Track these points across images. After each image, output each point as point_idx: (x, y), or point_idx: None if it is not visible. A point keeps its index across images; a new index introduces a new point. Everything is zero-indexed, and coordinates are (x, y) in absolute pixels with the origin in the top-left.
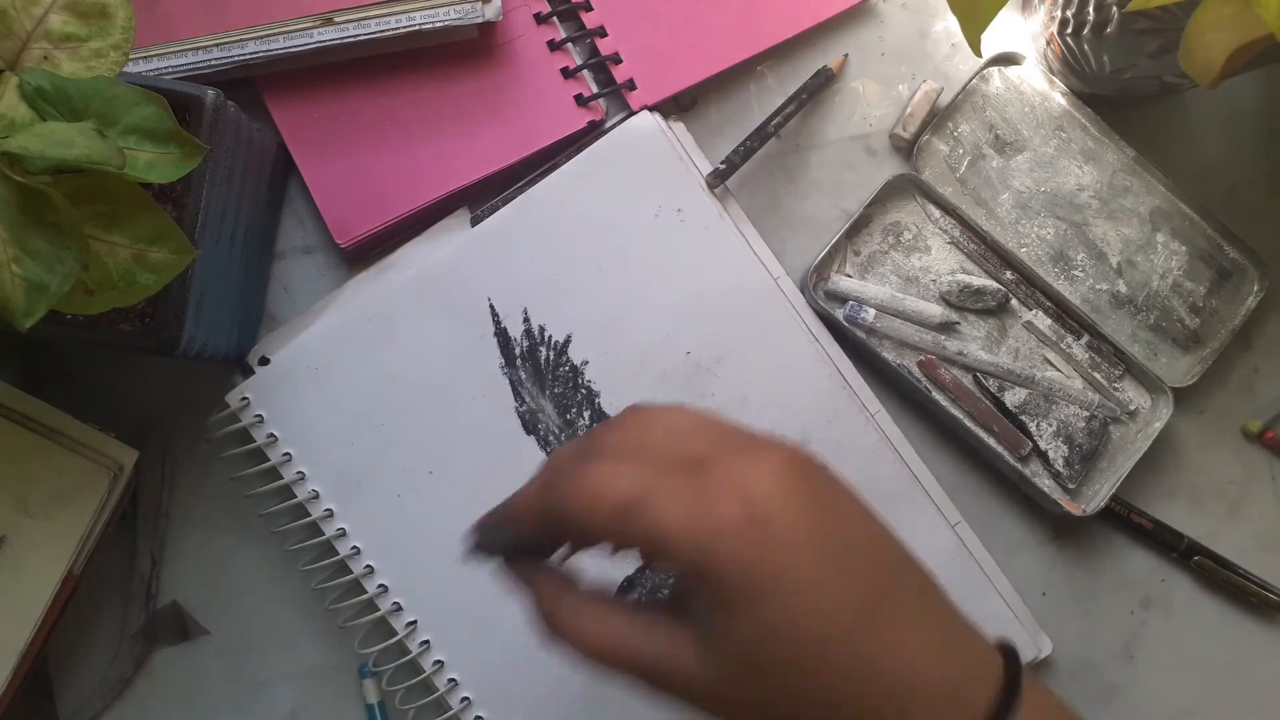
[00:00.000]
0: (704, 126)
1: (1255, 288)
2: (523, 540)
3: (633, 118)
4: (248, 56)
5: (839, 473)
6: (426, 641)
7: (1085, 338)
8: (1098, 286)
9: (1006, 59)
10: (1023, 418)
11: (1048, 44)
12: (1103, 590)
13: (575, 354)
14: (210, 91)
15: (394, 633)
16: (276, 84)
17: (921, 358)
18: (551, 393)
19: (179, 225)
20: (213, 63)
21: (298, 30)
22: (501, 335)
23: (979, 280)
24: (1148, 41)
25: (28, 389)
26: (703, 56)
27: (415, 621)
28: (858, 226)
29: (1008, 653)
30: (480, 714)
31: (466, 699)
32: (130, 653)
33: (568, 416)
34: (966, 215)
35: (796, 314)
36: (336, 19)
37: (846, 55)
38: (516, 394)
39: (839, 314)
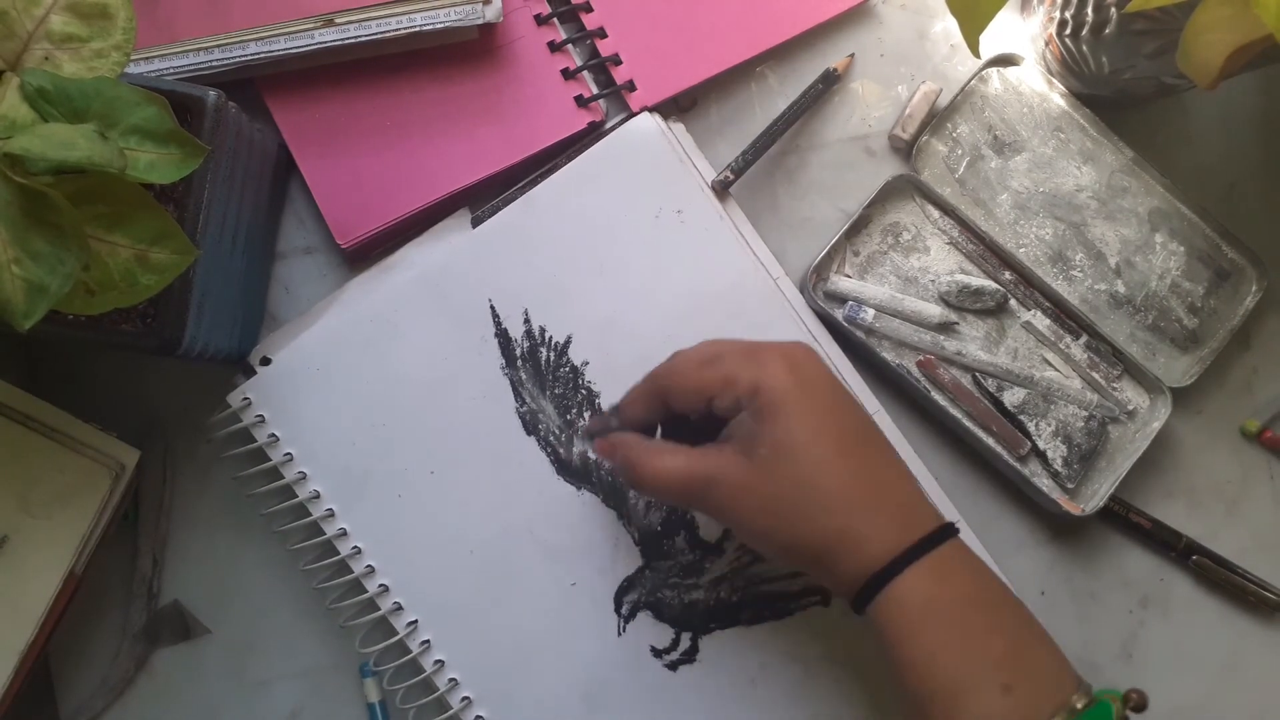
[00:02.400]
0: (704, 127)
1: (1254, 288)
2: (630, 421)
3: (633, 119)
4: (249, 57)
5: None
6: (427, 641)
7: (1084, 338)
8: (1096, 287)
9: (1005, 60)
10: (1021, 417)
11: (1046, 45)
12: (1101, 590)
13: (576, 355)
14: (212, 92)
15: (395, 632)
16: (278, 85)
17: (921, 358)
18: (552, 393)
19: (180, 226)
20: (214, 64)
21: (299, 31)
22: (502, 336)
23: (978, 280)
24: (1146, 42)
25: (29, 389)
26: (703, 57)
27: (416, 621)
28: (857, 227)
29: (952, 523)
30: (481, 713)
31: (467, 698)
32: (132, 652)
33: (568, 417)
34: (965, 216)
35: (795, 314)
36: (337, 20)
37: (853, 55)
38: (517, 395)
39: (838, 314)
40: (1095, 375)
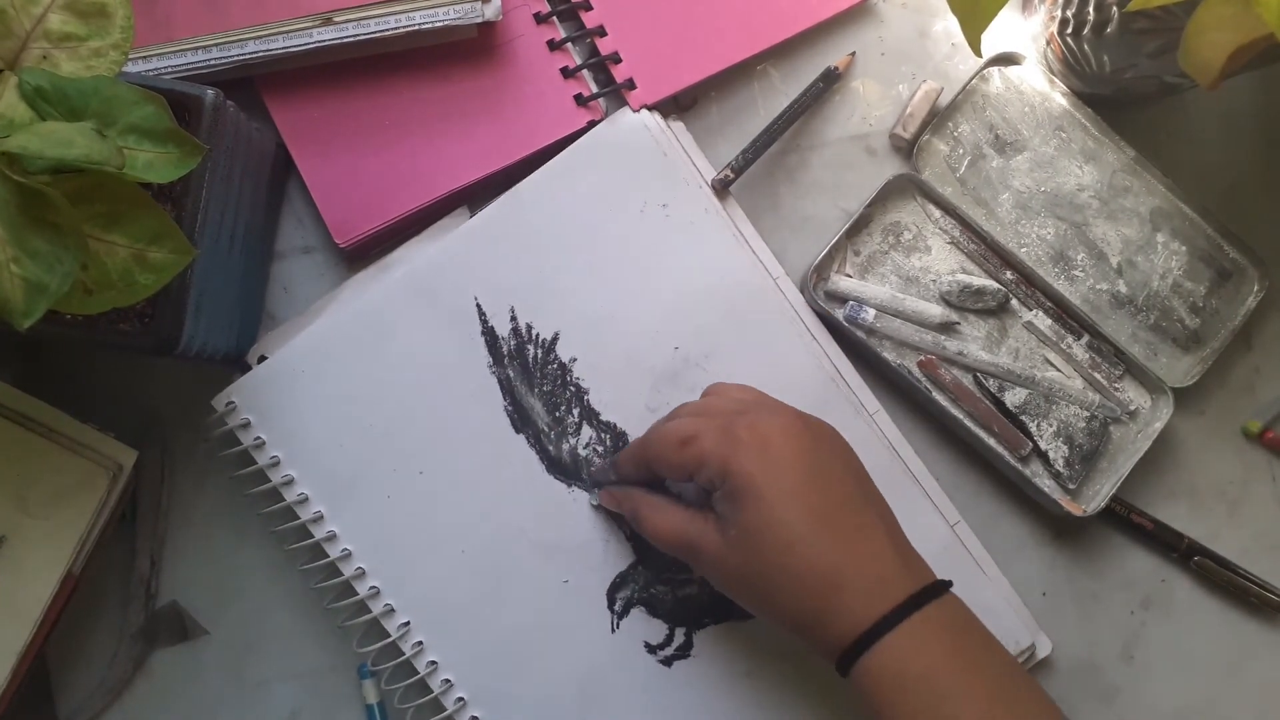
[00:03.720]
0: (704, 126)
1: (1255, 288)
2: (623, 477)
3: (617, 113)
4: (247, 56)
5: (839, 435)
6: (420, 643)
7: (1085, 338)
8: (1098, 287)
9: (1006, 59)
10: (1023, 418)
11: (1048, 44)
12: (1103, 590)
13: (563, 351)
14: (210, 91)
15: (389, 633)
16: (276, 84)
17: (922, 358)
18: (540, 390)
19: (178, 225)
20: (212, 62)
21: (297, 30)
22: (489, 334)
23: (979, 280)
24: (1148, 41)
25: (27, 389)
26: (702, 56)
27: (408, 623)
28: (858, 226)
29: (940, 581)
30: (476, 714)
31: (461, 699)
32: (130, 653)
33: (557, 414)
34: (966, 215)
35: (791, 308)
36: (336, 19)
37: (854, 54)
38: (505, 392)
39: (839, 314)
40: (1097, 375)
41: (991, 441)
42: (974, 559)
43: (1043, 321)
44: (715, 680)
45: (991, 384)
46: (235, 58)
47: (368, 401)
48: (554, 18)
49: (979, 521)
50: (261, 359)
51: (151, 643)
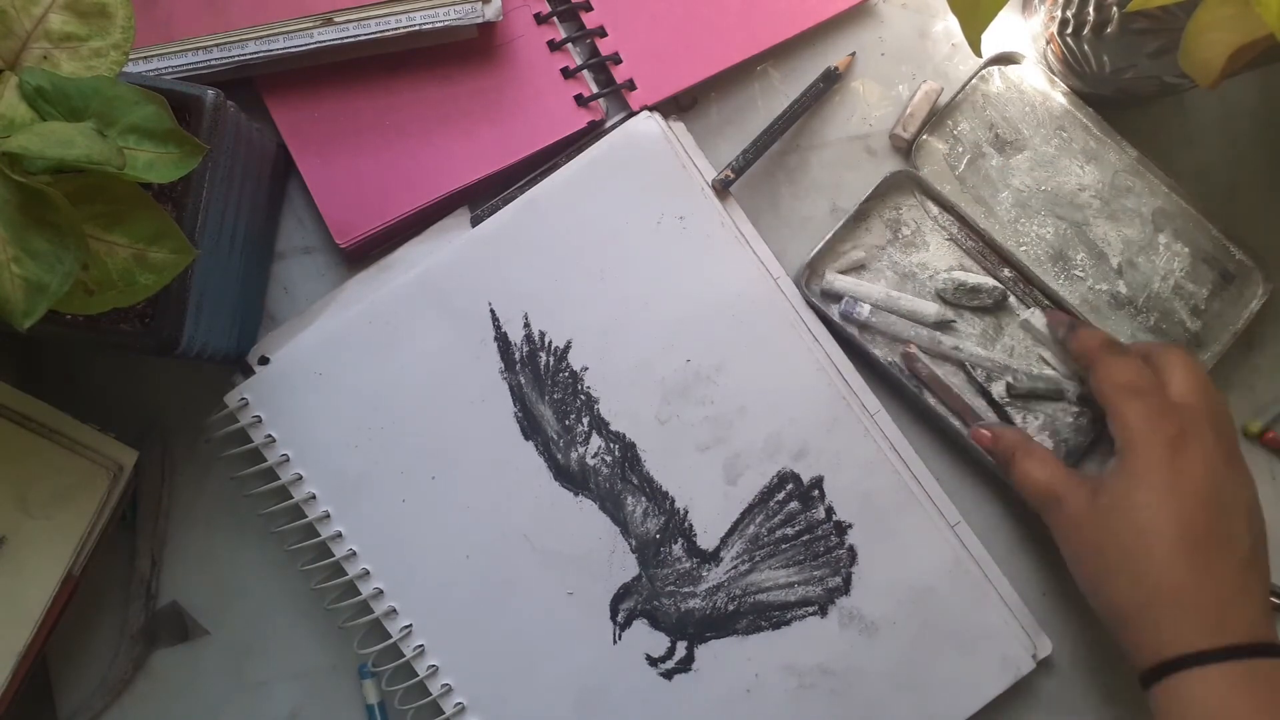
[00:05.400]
0: (704, 126)
1: (1259, 290)
2: (1068, 347)
3: (634, 120)
4: (248, 56)
5: (1257, 496)
6: (421, 646)
7: None
8: (1097, 287)
9: (1006, 58)
10: (1008, 409)
11: (1048, 44)
12: None
13: (575, 360)
14: (210, 91)
15: (391, 635)
16: (276, 84)
17: (903, 350)
18: (550, 398)
19: (179, 225)
20: (213, 63)
21: (298, 30)
22: (502, 340)
23: (975, 277)
24: (1148, 41)
25: (27, 389)
26: (703, 56)
27: (410, 625)
28: (855, 221)
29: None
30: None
31: (460, 704)
32: (130, 653)
33: (566, 422)
34: (965, 212)
35: (799, 319)
36: (336, 19)
37: (854, 54)
38: (515, 399)
39: (834, 311)
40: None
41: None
42: (974, 559)
43: (1039, 320)
44: (716, 695)
45: (979, 374)
46: (235, 58)
47: (378, 402)
48: (554, 18)
49: (979, 522)
50: (263, 360)
51: (152, 643)
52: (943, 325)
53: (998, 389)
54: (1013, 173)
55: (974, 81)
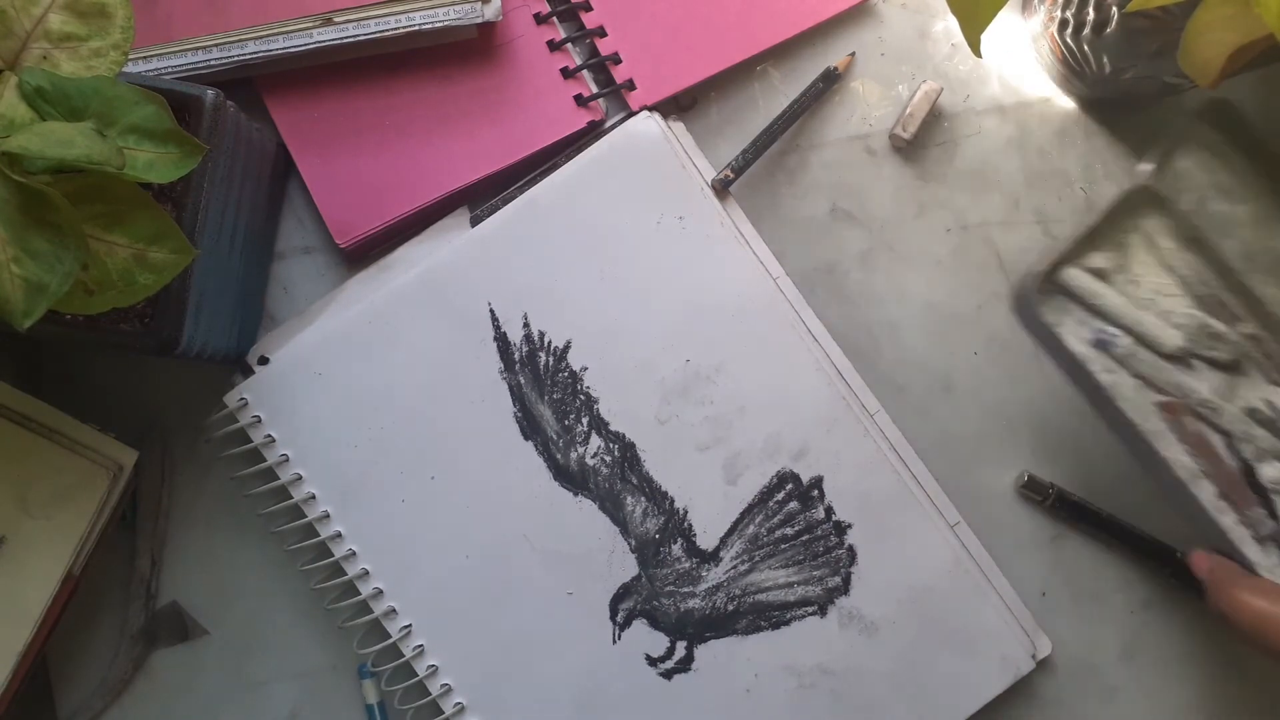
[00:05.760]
0: (704, 126)
1: None
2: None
3: (634, 120)
4: (247, 56)
5: None
6: (421, 646)
7: None
8: None
9: None
10: (1274, 496)
11: (1048, 44)
12: (1104, 591)
13: (575, 360)
14: (210, 91)
15: (390, 635)
16: (276, 84)
17: (1164, 399)
18: (550, 398)
19: (178, 225)
20: (212, 63)
21: (297, 30)
22: (501, 340)
23: (1219, 324)
24: (1148, 41)
25: (27, 389)
26: (702, 56)
27: (410, 625)
28: (1091, 238)
29: None
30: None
31: (460, 704)
32: (130, 653)
33: (566, 422)
34: (1215, 245)
35: (799, 318)
36: (336, 19)
37: (853, 54)
38: (515, 399)
39: (1075, 341)
40: None
41: (1226, 517)
42: (974, 559)
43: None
44: (715, 696)
45: (1248, 450)
46: (235, 58)
47: (378, 402)
48: (554, 18)
49: (979, 522)
50: (263, 359)
51: (152, 643)
52: (1183, 361)
53: (1271, 472)
54: (1238, 224)
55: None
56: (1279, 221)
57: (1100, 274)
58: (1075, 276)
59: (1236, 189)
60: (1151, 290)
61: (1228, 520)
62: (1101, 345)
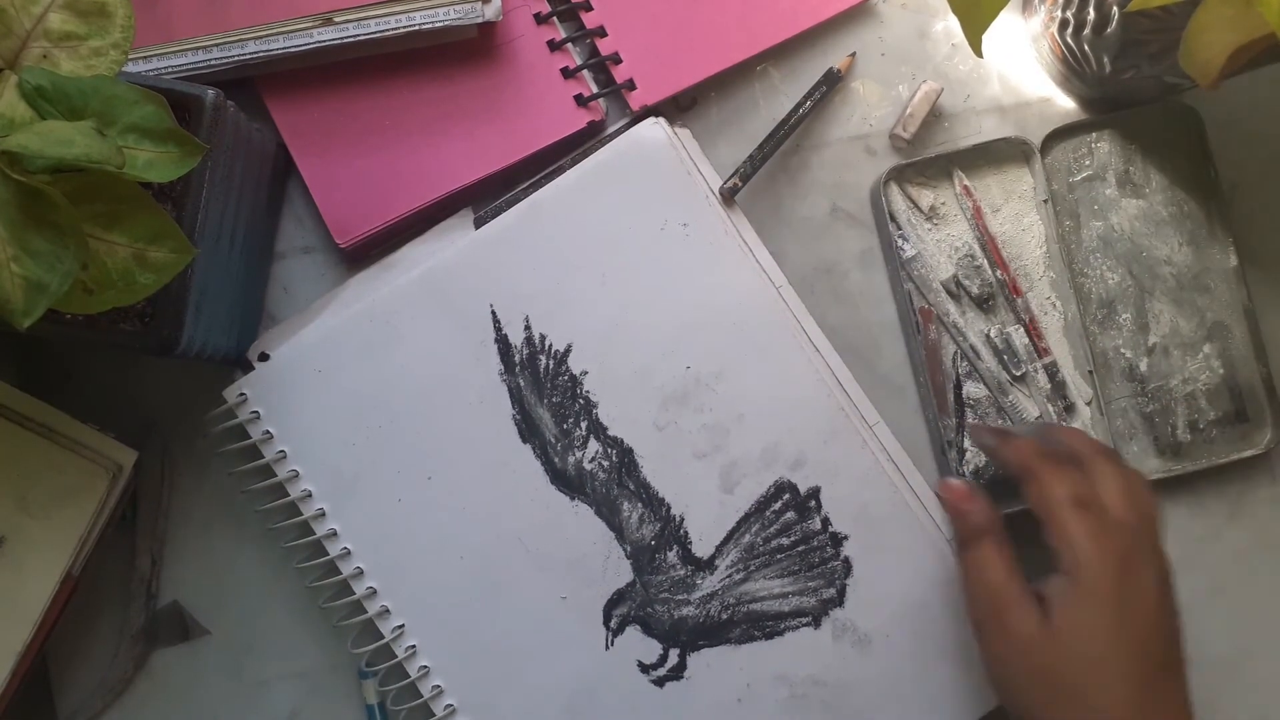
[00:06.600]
0: (704, 126)
1: (1263, 442)
2: (991, 450)
3: (641, 126)
4: (247, 56)
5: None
6: (413, 646)
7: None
8: (1122, 350)
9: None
10: (966, 410)
11: (1048, 44)
12: None
13: (575, 364)
14: (210, 91)
15: (384, 635)
16: (276, 84)
17: (924, 305)
18: (549, 401)
19: (178, 225)
20: (212, 62)
21: (297, 30)
22: (502, 342)
23: (985, 262)
24: (1148, 41)
25: (27, 389)
26: (703, 56)
27: (403, 625)
28: (950, 159)
29: None
30: None
31: (450, 706)
32: (130, 653)
33: (564, 426)
34: (1044, 213)
35: (800, 328)
36: (336, 19)
37: (854, 55)
38: (514, 401)
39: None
40: (1050, 407)
41: (929, 414)
42: None
43: (1020, 338)
44: (707, 704)
45: (963, 366)
46: (235, 58)
47: (377, 401)
48: (554, 18)
49: None
50: (262, 356)
51: (152, 643)
52: (953, 293)
53: (972, 390)
54: (1117, 211)
55: (1159, 113)
56: (1160, 224)
57: (930, 195)
58: (911, 191)
59: (1143, 185)
60: (954, 225)
61: (929, 417)
62: (899, 245)
